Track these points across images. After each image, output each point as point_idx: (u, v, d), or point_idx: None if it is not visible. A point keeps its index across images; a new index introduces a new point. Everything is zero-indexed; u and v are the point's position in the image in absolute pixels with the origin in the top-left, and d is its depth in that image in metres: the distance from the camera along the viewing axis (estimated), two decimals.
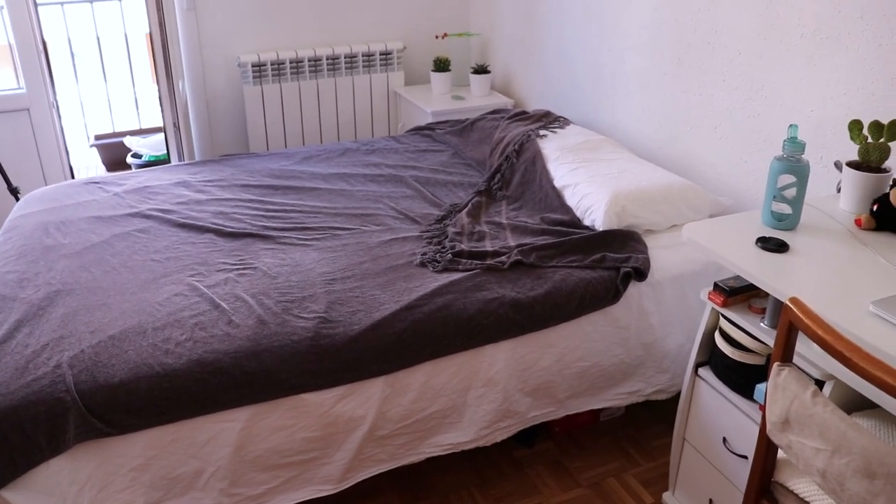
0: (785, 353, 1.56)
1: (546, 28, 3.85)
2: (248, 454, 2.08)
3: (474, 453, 2.66)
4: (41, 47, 4.02)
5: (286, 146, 4.31)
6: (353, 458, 2.18)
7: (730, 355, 2.06)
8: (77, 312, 2.21)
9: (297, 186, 3.09)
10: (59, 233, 2.74)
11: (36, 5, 3.98)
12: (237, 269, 2.43)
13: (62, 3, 5.76)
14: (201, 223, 2.76)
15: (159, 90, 3.70)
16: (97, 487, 1.96)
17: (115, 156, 5.58)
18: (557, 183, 2.87)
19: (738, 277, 2.08)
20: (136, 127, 6.02)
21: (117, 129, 6.04)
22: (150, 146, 4.97)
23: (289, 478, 2.15)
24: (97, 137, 5.72)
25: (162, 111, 3.80)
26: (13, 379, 1.96)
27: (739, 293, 2.06)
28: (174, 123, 3.67)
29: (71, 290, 2.34)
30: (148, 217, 2.83)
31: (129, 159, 5.06)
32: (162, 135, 5.09)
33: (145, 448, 1.99)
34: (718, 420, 2.15)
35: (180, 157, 3.83)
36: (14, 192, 3.88)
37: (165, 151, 4.82)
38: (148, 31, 6.16)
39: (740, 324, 2.02)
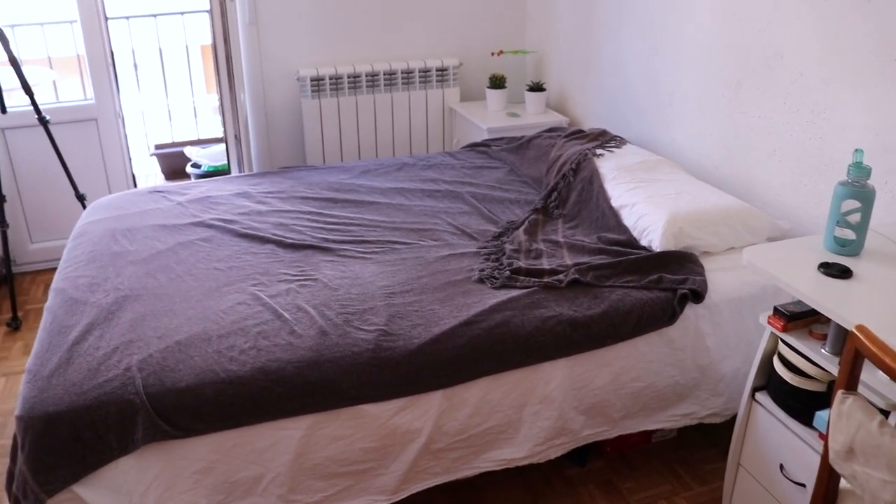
0: (850, 381, 1.55)
1: (603, 46, 3.87)
2: (306, 462, 2.12)
3: (527, 470, 2.67)
4: (110, 60, 4.14)
5: (342, 159, 4.38)
6: (408, 469, 2.21)
7: (789, 381, 2.05)
8: (145, 317, 2.28)
9: (356, 200, 3.14)
10: (126, 240, 2.82)
11: (106, 19, 4.10)
12: (298, 280, 2.48)
13: (128, 18, 5.92)
14: (262, 234, 2.82)
15: (222, 102, 3.79)
16: (162, 487, 2.02)
17: (173, 165, 5.71)
18: (614, 202, 2.88)
19: (798, 302, 2.07)
20: (193, 137, 6.15)
21: (176, 139, 6.19)
22: (209, 157, 5.08)
23: (345, 487, 2.18)
24: (157, 147, 5.86)
25: (224, 123, 3.88)
26: (86, 380, 2.02)
27: (800, 318, 2.05)
28: (235, 135, 3.74)
29: (138, 296, 2.41)
30: (210, 227, 2.90)
31: (189, 169, 5.17)
32: (220, 146, 5.21)
33: (209, 452, 2.04)
34: (776, 446, 2.14)
35: (240, 169, 3.91)
36: (81, 199, 4.00)
37: (224, 162, 4.92)
38: (206, 43, 6.32)
39: (801, 349, 2.01)
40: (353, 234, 2.83)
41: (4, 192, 3.78)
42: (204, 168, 5.05)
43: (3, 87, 3.77)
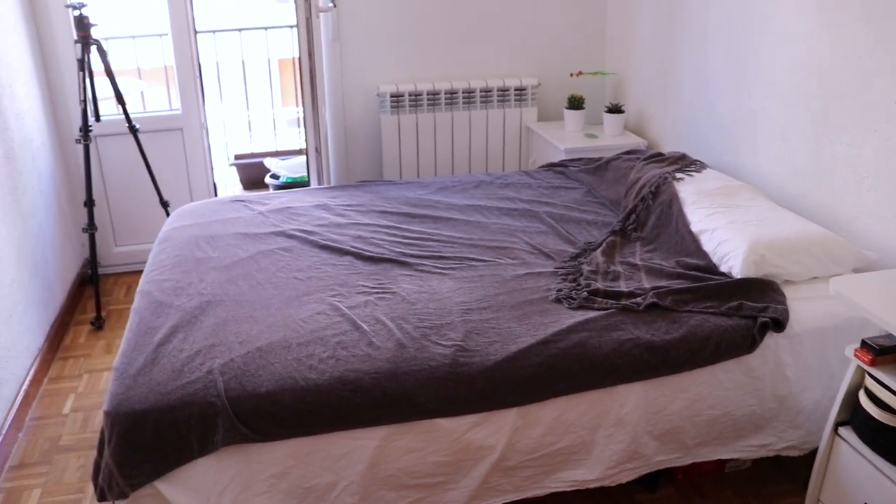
0: None
1: (684, 69, 3.84)
2: (380, 472, 2.14)
3: (597, 493, 2.64)
4: (197, 72, 4.27)
5: (419, 175, 4.43)
6: (479, 485, 2.22)
7: (877, 417, 2.00)
8: (227, 323, 2.34)
9: (434, 216, 3.17)
10: (208, 246, 2.90)
11: (195, 32, 4.23)
12: (376, 292, 2.52)
13: (214, 32, 6.10)
14: (341, 246, 2.86)
15: (304, 116, 3.87)
16: (239, 489, 2.06)
17: (252, 175, 5.84)
18: (694, 227, 2.84)
19: (888, 336, 2.01)
20: (272, 149, 6.29)
21: (254, 150, 6.34)
22: (288, 168, 5.19)
23: (416, 499, 2.19)
24: (237, 157, 6.01)
25: (305, 135, 3.96)
26: (170, 380, 2.08)
27: (890, 353, 2.00)
28: (316, 148, 3.82)
29: (221, 301, 2.47)
30: (291, 237, 2.96)
31: (268, 179, 5.29)
32: (299, 158, 5.32)
33: (285, 457, 2.08)
34: (860, 484, 2.08)
35: (319, 181, 3.99)
36: (165, 206, 4.13)
37: (302, 174, 5.02)
38: (283, 57, 6.47)
39: (891, 385, 1.95)
40: (430, 249, 2.86)
41: (93, 197, 3.92)
42: (282, 179, 5.16)
43: (97, 97, 3.93)
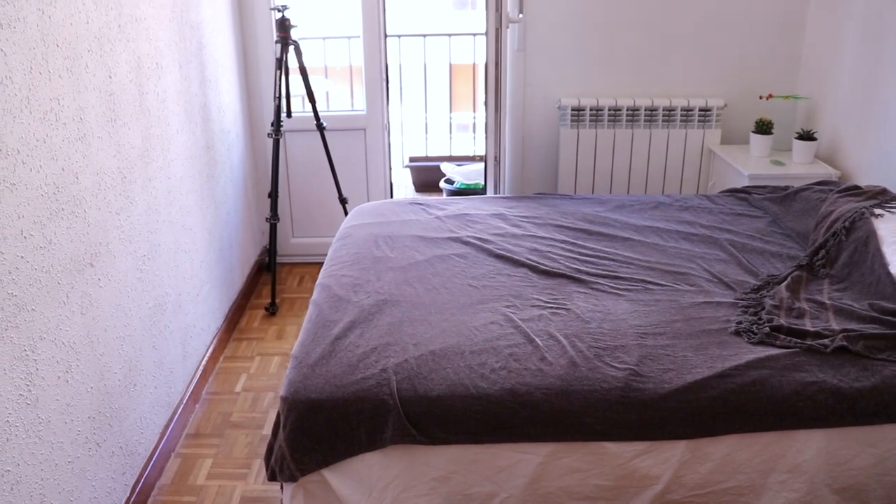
0: None
1: (890, 97, 3.60)
2: (540, 488, 2.12)
3: None
4: (384, 75, 4.40)
5: (594, 191, 4.38)
6: None
7: None
8: (402, 323, 2.39)
9: (610, 234, 3.12)
10: (386, 246, 2.98)
11: (385, 36, 4.36)
12: (550, 307, 2.50)
13: (399, 36, 6.27)
14: (517, 257, 2.87)
15: (486, 124, 3.90)
16: (401, 487, 2.10)
17: (425, 177, 5.98)
18: (893, 269, 2.66)
19: None
20: (445, 153, 6.40)
21: (429, 154, 6.47)
22: (463, 174, 5.27)
23: None
24: (411, 159, 6.15)
25: (486, 143, 4.00)
26: (345, 374, 2.15)
27: None
28: (496, 157, 3.85)
29: (397, 302, 2.53)
30: (467, 244, 3.00)
31: (442, 184, 5.38)
32: (474, 164, 5.37)
33: (448, 462, 2.10)
34: None
35: (495, 189, 4.02)
36: (343, 202, 4.28)
37: (477, 181, 5.07)
38: (455, 63, 6.55)
39: None
40: (606, 268, 2.81)
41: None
42: (457, 185, 5.23)
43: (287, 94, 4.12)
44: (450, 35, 6.44)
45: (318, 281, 2.78)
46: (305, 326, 2.45)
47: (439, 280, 2.70)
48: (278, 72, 3.97)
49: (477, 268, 2.80)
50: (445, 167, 5.45)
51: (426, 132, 6.49)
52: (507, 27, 3.62)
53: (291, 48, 3.98)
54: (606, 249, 2.98)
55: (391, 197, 4.68)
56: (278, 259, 4.59)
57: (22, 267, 1.99)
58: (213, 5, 3.75)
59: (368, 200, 4.60)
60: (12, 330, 1.94)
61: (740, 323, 2.43)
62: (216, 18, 3.79)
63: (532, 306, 2.51)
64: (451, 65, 6.66)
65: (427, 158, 6.25)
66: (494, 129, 3.81)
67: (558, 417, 2.07)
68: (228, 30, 4.03)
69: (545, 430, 2.08)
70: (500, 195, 3.64)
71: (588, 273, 2.76)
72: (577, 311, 2.47)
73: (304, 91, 4.08)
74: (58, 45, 2.19)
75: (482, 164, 5.37)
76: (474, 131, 6.84)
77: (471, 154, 6.28)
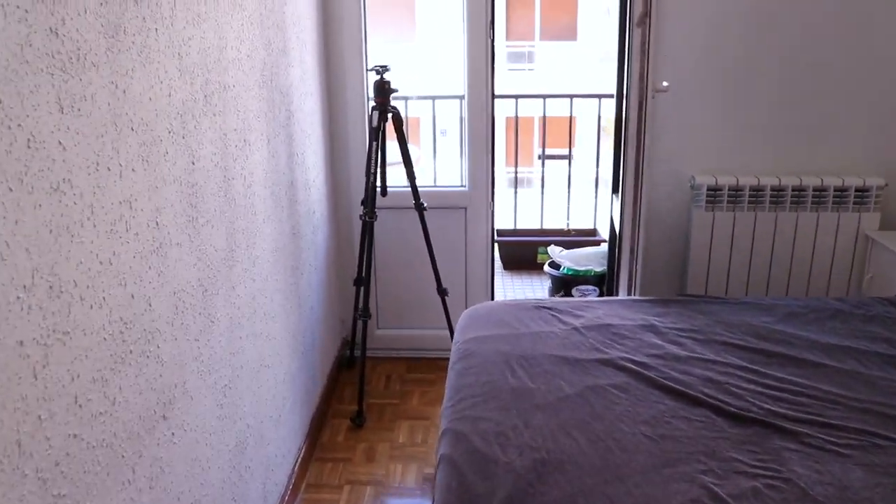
0: None
1: None
2: None
3: None
4: (490, 145, 3.87)
5: (727, 282, 3.78)
6: None
7: None
8: (575, 499, 1.81)
9: (793, 356, 2.53)
10: (523, 371, 2.42)
11: (493, 97, 3.85)
12: (760, 474, 1.91)
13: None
14: (690, 391, 2.29)
15: (622, 208, 3.36)
16: None
17: (513, 254, 5.45)
18: None
19: None
20: (536, 226, 5.85)
21: (518, 227, 5.94)
22: (572, 259, 4.68)
23: None
24: (499, 233, 5.61)
25: (615, 228, 3.44)
26: None
27: None
28: (632, 248, 3.27)
29: (559, 462, 1.96)
30: (622, 369, 2.43)
31: (547, 269, 4.81)
32: (584, 249, 4.79)
33: None
34: None
35: (630, 287, 3.44)
36: (443, 293, 3.73)
37: (588, 267, 4.50)
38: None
39: None
40: (808, 409, 2.21)
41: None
42: (563, 270, 4.65)
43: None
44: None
45: (446, 424, 2.22)
46: (446, 498, 1.89)
47: (602, 426, 2.12)
48: (375, 143, 3.46)
49: (645, 407, 2.22)
50: (553, 250, 4.84)
51: (515, 206, 5.92)
52: (654, 97, 3.08)
53: (390, 115, 3.49)
54: (796, 380, 2.38)
55: (492, 285, 4.12)
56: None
57: (74, 451, 1.38)
58: (303, 64, 3.26)
59: (466, 290, 4.04)
60: None
61: None
62: (305, 80, 3.29)
63: (736, 472, 1.92)
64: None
65: (516, 232, 5.71)
66: (632, 215, 3.25)
67: None
68: (317, 94, 3.55)
69: None
70: (643, 298, 3.05)
71: (789, 418, 2.16)
72: (800, 483, 1.87)
73: (400, 161, 3.56)
74: (133, 129, 1.61)
75: (592, 249, 4.81)
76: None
77: (563, 227, 5.71)
